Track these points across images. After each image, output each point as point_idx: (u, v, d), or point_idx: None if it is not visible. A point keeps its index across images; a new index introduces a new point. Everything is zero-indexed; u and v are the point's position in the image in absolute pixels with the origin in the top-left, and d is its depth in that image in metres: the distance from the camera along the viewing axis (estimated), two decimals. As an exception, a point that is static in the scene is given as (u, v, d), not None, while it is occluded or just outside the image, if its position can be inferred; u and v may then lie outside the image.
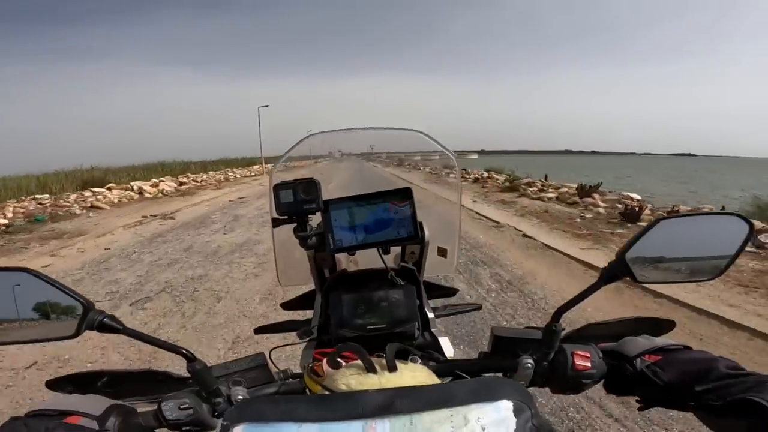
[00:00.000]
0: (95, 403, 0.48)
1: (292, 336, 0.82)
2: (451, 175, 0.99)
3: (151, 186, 14.10)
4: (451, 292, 1.01)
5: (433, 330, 0.80)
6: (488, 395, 0.38)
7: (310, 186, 0.62)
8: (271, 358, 0.71)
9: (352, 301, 0.75)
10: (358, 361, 0.48)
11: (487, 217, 7.79)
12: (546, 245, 5.65)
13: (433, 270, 0.93)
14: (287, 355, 1.24)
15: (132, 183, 13.88)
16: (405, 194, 0.67)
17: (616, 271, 0.54)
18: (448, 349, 0.77)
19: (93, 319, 0.47)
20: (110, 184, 13.18)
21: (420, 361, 0.59)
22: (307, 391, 0.55)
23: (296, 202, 0.62)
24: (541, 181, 13.48)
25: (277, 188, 0.63)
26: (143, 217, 8.53)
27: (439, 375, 0.59)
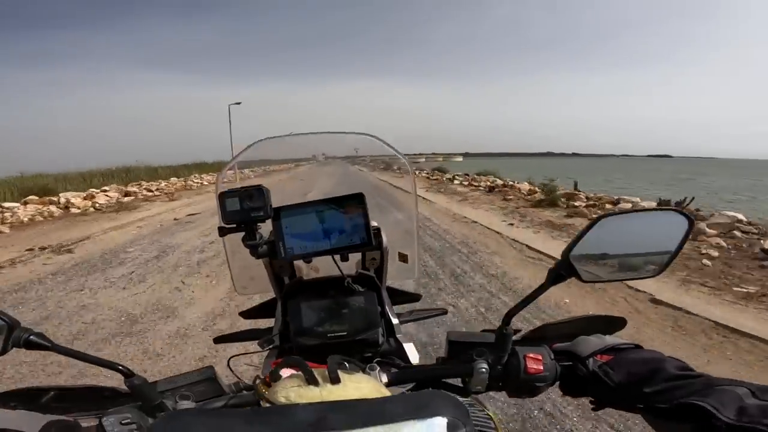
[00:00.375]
0: (32, 420, 0.45)
1: (254, 345, 0.80)
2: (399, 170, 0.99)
3: (84, 198, 11.55)
4: (415, 297, 1.00)
5: (398, 336, 0.79)
6: (423, 411, 0.37)
7: (257, 193, 0.61)
8: (230, 368, 0.70)
9: (311, 309, 0.74)
10: (300, 373, 0.47)
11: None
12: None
13: (396, 276, 0.93)
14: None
15: (62, 194, 11.53)
16: (357, 200, 0.66)
17: (562, 272, 0.54)
18: (413, 355, 0.77)
19: (19, 337, 0.45)
20: (31, 197, 10.93)
21: (378, 369, 0.58)
22: (261, 403, 0.54)
23: (243, 210, 0.61)
24: (582, 192, 10.98)
25: (223, 196, 0.61)
26: (28, 250, 5.89)
27: (396, 383, 0.59)
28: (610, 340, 0.58)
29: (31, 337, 0.46)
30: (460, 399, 0.68)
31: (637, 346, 0.56)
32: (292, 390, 0.45)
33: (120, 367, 0.48)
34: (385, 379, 0.58)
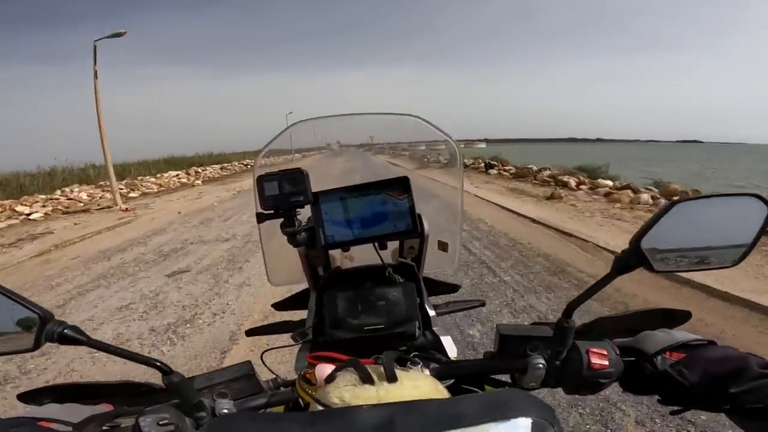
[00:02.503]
0: (72, 411, 0.45)
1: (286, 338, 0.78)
2: (443, 160, 0.95)
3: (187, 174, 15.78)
4: (453, 288, 0.97)
5: (434, 329, 0.76)
6: (503, 411, 0.34)
7: (297, 177, 0.58)
8: (263, 361, 0.68)
9: (347, 301, 0.71)
10: (352, 370, 0.44)
11: None
12: None
13: (433, 266, 0.89)
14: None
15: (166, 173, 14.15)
16: (402, 184, 0.62)
17: (631, 261, 0.49)
18: (451, 349, 0.74)
19: (52, 331, 0.43)
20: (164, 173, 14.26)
21: (421, 364, 0.55)
22: (300, 401, 0.52)
23: (282, 195, 0.58)
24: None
25: (261, 180, 0.58)
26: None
27: (441, 378, 0.56)
28: (679, 335, 0.54)
29: (66, 330, 0.43)
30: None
31: (711, 342, 0.52)
32: (347, 390, 0.42)
33: (158, 364, 0.46)
34: (427, 374, 0.55)
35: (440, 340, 0.75)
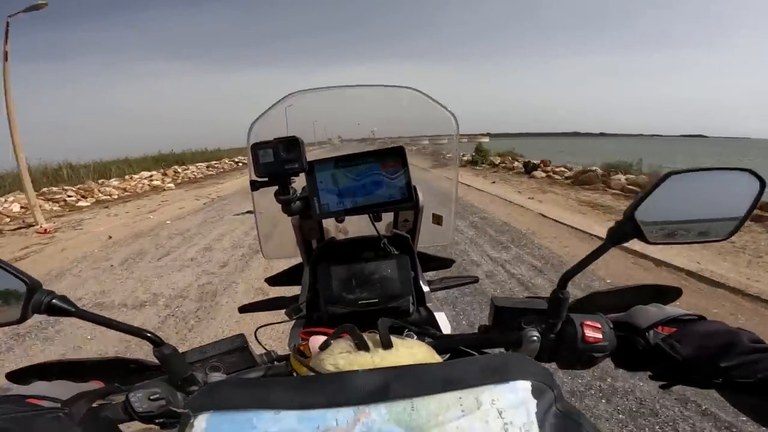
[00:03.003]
0: (63, 389, 0.44)
1: (281, 314, 0.77)
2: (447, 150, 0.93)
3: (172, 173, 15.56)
4: (447, 263, 0.96)
5: (428, 305, 0.76)
6: (502, 374, 0.33)
7: (292, 144, 0.57)
8: (257, 339, 0.67)
9: (342, 274, 0.71)
10: (347, 338, 0.44)
11: None
12: None
13: (428, 240, 0.89)
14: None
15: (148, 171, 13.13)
16: (397, 153, 0.61)
17: (625, 231, 0.49)
18: (445, 325, 0.74)
19: (40, 301, 0.41)
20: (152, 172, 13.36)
21: (416, 337, 0.55)
22: (294, 374, 0.51)
23: (277, 162, 0.57)
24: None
25: (256, 147, 0.58)
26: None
27: (438, 352, 0.56)
28: (671, 310, 0.54)
29: (54, 300, 0.42)
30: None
31: (701, 317, 0.52)
32: (341, 357, 0.41)
33: (148, 335, 0.45)
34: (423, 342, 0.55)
35: (434, 315, 0.74)
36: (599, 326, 0.52)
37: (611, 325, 0.53)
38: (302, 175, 0.61)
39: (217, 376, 0.50)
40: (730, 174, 0.52)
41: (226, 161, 23.61)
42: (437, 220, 0.87)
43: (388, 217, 0.79)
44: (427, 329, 0.63)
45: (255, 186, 0.61)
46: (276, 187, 0.61)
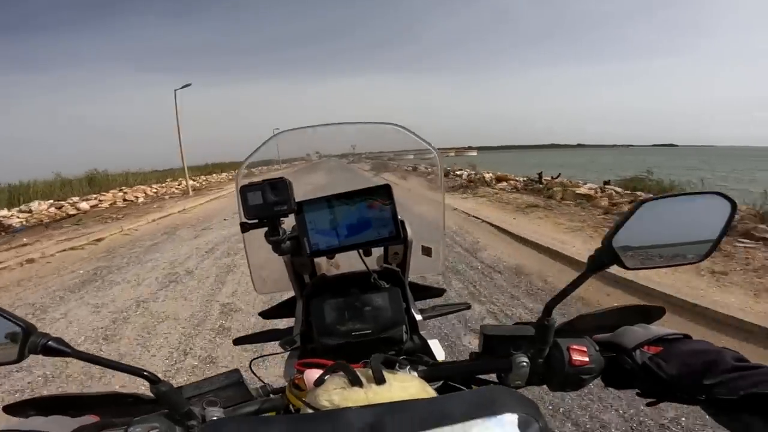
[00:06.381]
0: (58, 424, 0.45)
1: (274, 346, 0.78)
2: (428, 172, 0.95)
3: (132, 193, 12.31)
4: (439, 292, 0.98)
5: (422, 333, 0.77)
6: (490, 408, 0.35)
7: (280, 186, 0.59)
8: (252, 370, 0.68)
9: (334, 307, 0.72)
10: (342, 374, 0.45)
11: None
12: None
13: (418, 270, 0.91)
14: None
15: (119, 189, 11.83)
16: (384, 192, 0.63)
17: (604, 259, 0.52)
18: (439, 352, 0.75)
19: (36, 343, 0.43)
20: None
21: (409, 367, 0.56)
22: (291, 407, 0.53)
23: (266, 204, 0.59)
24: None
25: (245, 190, 0.59)
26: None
27: (430, 380, 0.57)
28: (656, 330, 0.56)
29: (50, 342, 0.43)
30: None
31: (686, 336, 0.54)
32: (336, 393, 0.42)
33: (145, 373, 0.46)
34: (414, 375, 0.55)
35: (428, 343, 0.76)
36: (585, 349, 0.54)
37: (597, 347, 0.55)
38: (292, 215, 0.62)
39: (214, 411, 0.50)
40: (702, 198, 0.54)
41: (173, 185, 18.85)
42: (426, 251, 0.89)
43: (378, 250, 0.80)
44: (420, 357, 0.64)
45: (245, 228, 0.62)
46: (266, 228, 0.62)
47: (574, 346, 0.54)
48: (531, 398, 0.37)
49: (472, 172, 15.45)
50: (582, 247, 5.02)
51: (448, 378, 0.62)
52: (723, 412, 0.46)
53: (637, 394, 0.54)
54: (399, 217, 0.71)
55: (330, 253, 0.65)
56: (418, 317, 0.78)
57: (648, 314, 0.62)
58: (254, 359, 0.70)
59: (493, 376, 0.60)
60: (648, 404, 0.54)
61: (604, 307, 0.61)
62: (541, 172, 11.74)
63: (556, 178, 11.56)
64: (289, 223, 0.64)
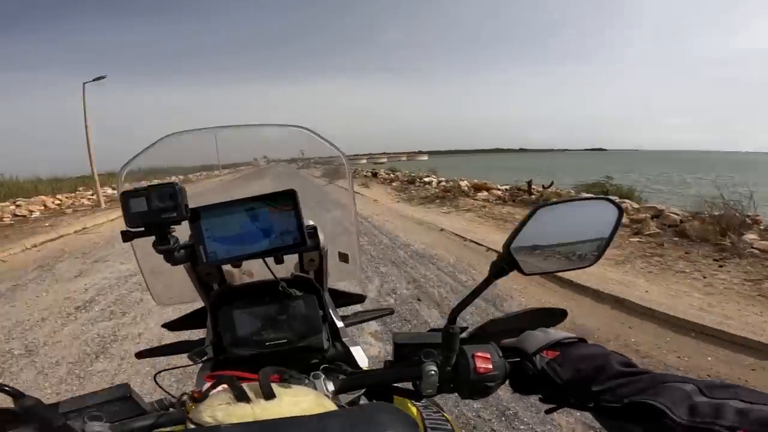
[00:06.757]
0: None
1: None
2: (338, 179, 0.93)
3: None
4: (360, 298, 0.97)
5: (344, 340, 0.76)
6: (368, 427, 0.34)
7: (168, 192, 0.54)
8: (158, 383, 0.62)
9: (245, 317, 0.69)
10: (228, 389, 0.42)
11: None
12: None
13: (338, 277, 0.89)
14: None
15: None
16: (289, 197, 0.61)
17: (504, 265, 0.53)
18: (362, 359, 0.74)
19: None
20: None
21: (324, 377, 0.55)
22: (187, 423, 0.48)
23: (151, 211, 0.54)
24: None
25: (127, 196, 0.53)
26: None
27: (344, 390, 0.56)
28: (555, 334, 0.57)
29: None
30: (417, 403, 0.67)
31: (581, 340, 0.55)
32: (220, 409, 0.40)
33: (7, 389, 0.40)
34: (331, 387, 0.55)
35: (350, 350, 0.75)
36: (489, 356, 0.54)
37: (500, 354, 0.55)
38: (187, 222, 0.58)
39: (96, 426, 0.45)
40: (593, 203, 0.57)
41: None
42: (343, 258, 0.87)
43: (293, 258, 0.77)
44: (340, 365, 0.63)
45: (127, 236, 0.56)
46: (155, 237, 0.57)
47: (479, 354, 0.54)
48: (419, 406, 0.36)
49: (442, 180, 14.27)
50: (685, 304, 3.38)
51: (364, 387, 0.61)
52: (609, 419, 0.45)
53: (540, 399, 0.54)
54: (311, 222, 0.69)
55: (230, 261, 0.62)
56: (339, 324, 0.77)
57: (552, 316, 0.63)
58: (159, 372, 0.65)
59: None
60: (546, 411, 0.54)
61: (513, 312, 0.62)
62: (530, 181, 10.23)
63: (548, 187, 10.02)
64: (186, 229, 0.60)
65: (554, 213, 0.54)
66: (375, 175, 20.74)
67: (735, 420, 0.34)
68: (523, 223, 0.52)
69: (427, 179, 14.83)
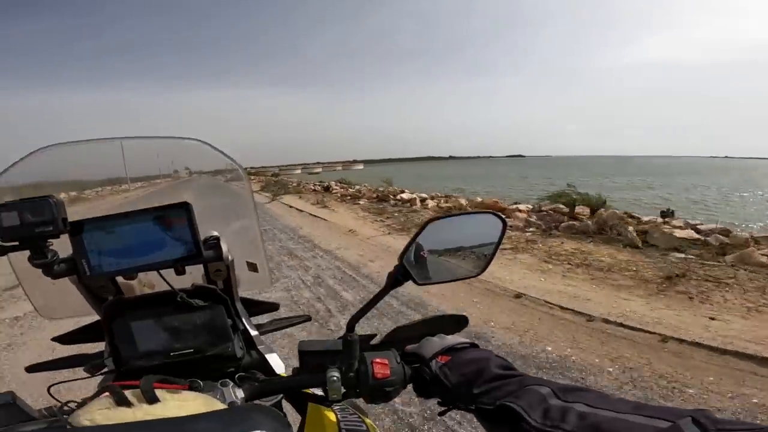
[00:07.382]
0: None
1: None
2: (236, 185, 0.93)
3: None
4: (273, 306, 0.97)
5: (260, 347, 0.76)
6: (240, 427, 0.35)
7: (42, 206, 0.51)
8: (51, 395, 0.60)
9: (143, 328, 0.66)
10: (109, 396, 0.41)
11: None
12: None
13: (249, 285, 0.89)
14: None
15: None
16: (182, 209, 0.60)
17: (399, 276, 0.56)
18: (278, 366, 0.75)
19: None
20: None
21: (232, 384, 0.55)
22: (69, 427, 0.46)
23: (24, 225, 0.51)
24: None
25: None
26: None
27: (255, 398, 0.57)
28: (450, 340, 0.59)
29: None
30: (336, 407, 0.69)
31: (473, 345, 0.58)
32: (99, 413, 0.39)
33: None
34: (241, 394, 0.55)
35: (266, 358, 0.75)
36: (387, 362, 0.57)
37: (399, 360, 0.58)
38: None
39: None
40: (480, 216, 0.64)
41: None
42: (252, 267, 0.87)
43: (199, 269, 0.76)
44: (254, 373, 0.65)
45: (1, 251, 0.53)
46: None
47: (377, 360, 0.57)
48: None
49: (439, 197, 11.43)
50: None
51: (275, 393, 0.63)
52: (485, 420, 0.48)
53: (438, 402, 0.57)
54: (214, 233, 0.68)
55: (118, 274, 0.61)
56: (254, 332, 0.77)
57: (456, 323, 0.68)
58: (53, 384, 0.62)
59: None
60: (439, 413, 0.58)
61: (417, 319, 0.66)
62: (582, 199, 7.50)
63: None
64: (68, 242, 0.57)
65: (444, 226, 0.60)
66: (327, 189, 16.47)
67: (576, 424, 0.37)
68: (415, 235, 0.57)
69: (403, 195, 11.72)
